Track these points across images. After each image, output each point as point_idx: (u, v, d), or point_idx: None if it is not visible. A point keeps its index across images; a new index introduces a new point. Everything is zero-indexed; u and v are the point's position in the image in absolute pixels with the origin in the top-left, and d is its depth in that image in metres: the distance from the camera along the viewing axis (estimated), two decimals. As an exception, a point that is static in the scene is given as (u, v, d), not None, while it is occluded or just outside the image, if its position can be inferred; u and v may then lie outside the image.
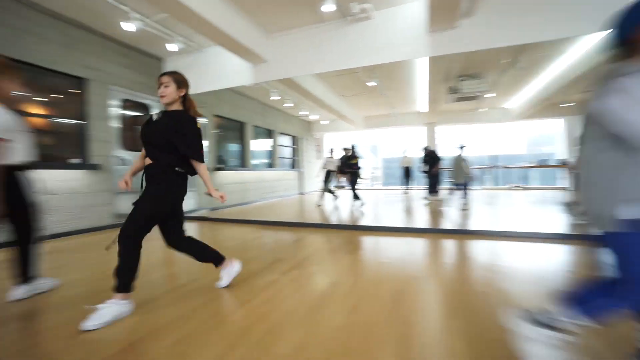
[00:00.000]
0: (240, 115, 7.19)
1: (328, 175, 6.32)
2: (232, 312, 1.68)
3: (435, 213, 5.01)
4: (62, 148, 4.01)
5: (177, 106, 1.81)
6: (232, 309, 1.73)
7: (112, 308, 1.55)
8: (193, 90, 5.21)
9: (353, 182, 5.93)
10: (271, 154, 8.66)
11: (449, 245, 3.04)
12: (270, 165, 8.58)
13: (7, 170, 1.68)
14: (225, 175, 6.42)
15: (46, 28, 3.69)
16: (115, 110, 4.51)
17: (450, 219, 4.36)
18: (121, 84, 4.58)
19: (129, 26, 3.78)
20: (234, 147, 7.34)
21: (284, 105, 7.79)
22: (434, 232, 3.59)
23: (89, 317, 1.50)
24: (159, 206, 1.73)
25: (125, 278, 1.60)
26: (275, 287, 2.01)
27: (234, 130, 7.23)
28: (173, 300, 1.83)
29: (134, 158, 4.84)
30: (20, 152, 1.76)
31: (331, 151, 6.59)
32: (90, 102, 4.16)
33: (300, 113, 9.13)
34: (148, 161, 1.77)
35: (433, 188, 6.71)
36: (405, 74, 6.31)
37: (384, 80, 6.49)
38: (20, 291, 1.82)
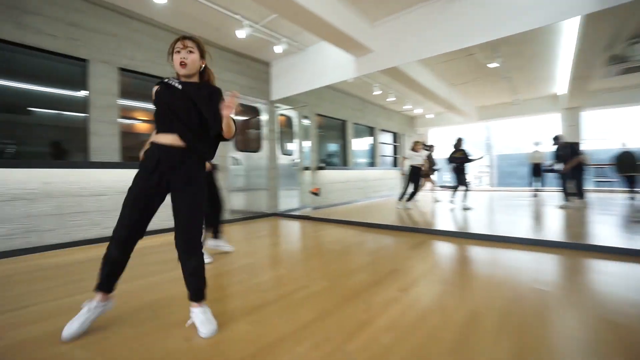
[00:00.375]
0: (341, 113, 7.07)
1: (414, 173, 5.59)
2: (350, 338, 1.38)
3: (578, 221, 3.80)
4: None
5: (195, 79, 1.51)
6: (350, 332, 1.43)
7: (208, 313, 1.45)
8: (296, 90, 5.34)
9: (460, 181, 5.07)
10: (372, 153, 8.32)
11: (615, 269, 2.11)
12: (372, 164, 8.25)
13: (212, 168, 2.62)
14: (327, 175, 6.39)
15: (178, 45, 4.21)
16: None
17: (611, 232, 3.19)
18: (235, 89, 4.94)
19: (241, 33, 3.99)
20: (335, 146, 7.28)
21: (387, 99, 7.34)
22: (582, 249, 2.62)
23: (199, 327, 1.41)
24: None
25: (205, 286, 1.48)
26: (397, 308, 1.64)
27: (335, 129, 7.17)
28: (281, 311, 1.65)
29: (243, 158, 5.23)
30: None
31: (416, 144, 5.81)
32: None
33: (404, 107, 8.50)
34: (169, 139, 1.39)
35: (576, 189, 5.21)
36: (541, 48, 5.06)
37: (508, 59, 5.36)
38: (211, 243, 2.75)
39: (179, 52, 1.44)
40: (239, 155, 5.02)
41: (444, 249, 2.91)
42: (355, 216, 5.07)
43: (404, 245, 3.05)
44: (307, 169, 5.94)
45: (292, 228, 4.39)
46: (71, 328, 1.34)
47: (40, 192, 3.05)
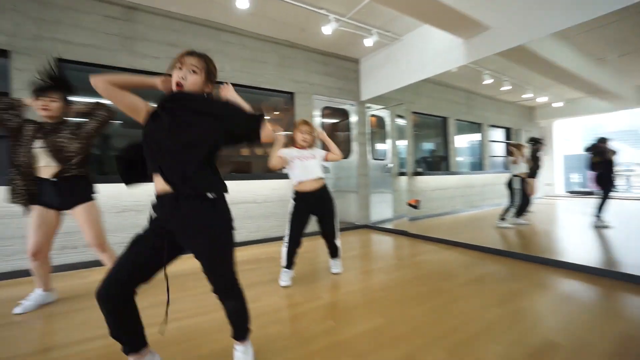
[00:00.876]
0: (442, 110, 6.11)
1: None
2: None
3: None
4: (277, 159, 4.44)
5: None
6: None
7: (249, 354, 1.33)
8: (389, 87, 4.69)
9: (607, 190, 3.67)
10: (479, 153, 7.02)
11: None
12: (479, 167, 6.96)
13: None
14: (425, 181, 5.57)
15: (267, 53, 4.11)
16: (317, 119, 4.61)
17: None
18: (322, 92, 4.64)
19: (327, 29, 3.62)
20: (433, 148, 6.35)
21: (500, 89, 6.04)
22: None
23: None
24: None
25: (247, 325, 1.33)
26: None
27: (433, 127, 6.26)
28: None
29: (331, 164, 4.88)
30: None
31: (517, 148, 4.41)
32: (297, 114, 4.37)
33: (523, 97, 6.94)
34: (158, 185, 1.14)
35: None
36: None
37: None
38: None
39: (180, 68, 1.16)
40: (326, 164, 4.69)
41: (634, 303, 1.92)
42: (461, 234, 4.16)
43: (552, 292, 2.15)
44: (402, 174, 5.26)
45: (387, 246, 3.81)
46: None
47: (145, 204, 3.25)
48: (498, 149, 7.77)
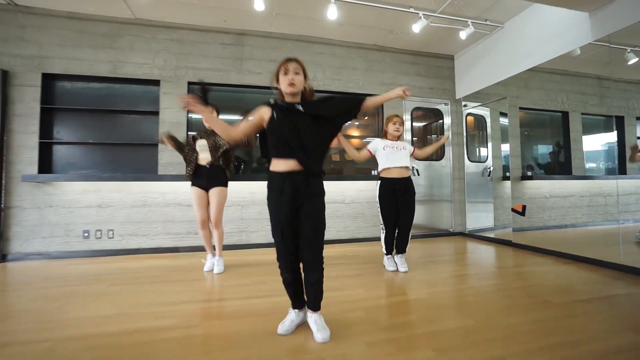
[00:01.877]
0: (559, 103, 5.18)
1: None
2: None
3: None
4: (368, 162, 4.51)
5: (298, 98, 1.53)
6: None
7: (322, 321, 1.52)
8: (489, 80, 4.24)
9: None
10: (618, 154, 5.64)
11: None
12: (619, 171, 5.59)
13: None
14: (536, 186, 4.78)
15: (355, 59, 4.28)
16: (407, 121, 4.51)
17: None
18: (413, 92, 4.53)
19: (417, 27, 3.56)
20: (549, 148, 5.41)
21: (648, 69, 4.77)
22: None
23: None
24: None
25: (321, 298, 1.55)
26: None
27: (548, 125, 5.34)
28: None
29: (422, 167, 4.66)
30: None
31: None
32: (386, 115, 4.37)
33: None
34: (288, 165, 1.45)
35: None
36: None
37: None
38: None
39: (285, 74, 1.48)
40: (417, 164, 4.52)
41: None
42: (589, 249, 3.42)
43: None
44: (506, 178, 4.65)
45: (485, 254, 3.43)
46: (283, 327, 1.53)
47: (248, 200, 3.74)
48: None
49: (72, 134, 3.52)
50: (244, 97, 4.08)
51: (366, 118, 4.78)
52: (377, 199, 2.69)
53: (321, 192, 1.51)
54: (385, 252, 2.78)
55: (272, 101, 1.53)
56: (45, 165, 3.41)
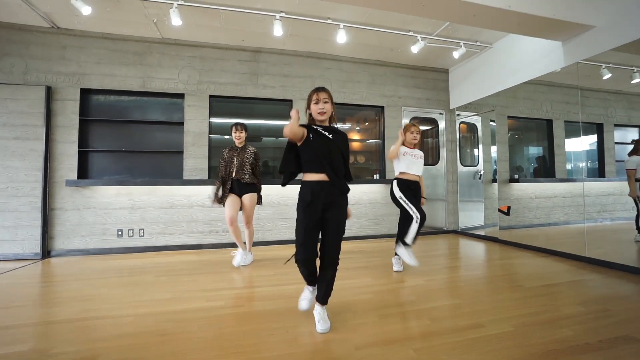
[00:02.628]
0: (544, 112, 5.65)
1: None
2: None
3: None
4: (369, 165, 4.95)
5: (326, 122, 1.82)
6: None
7: (325, 314, 1.76)
8: (480, 93, 4.73)
9: None
10: (598, 158, 6.12)
11: None
12: (598, 174, 6.07)
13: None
14: (523, 188, 5.24)
15: (359, 73, 4.71)
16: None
17: None
18: (410, 103, 4.97)
19: (415, 48, 4.00)
20: (534, 152, 5.88)
21: (631, 82, 5.25)
22: None
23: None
24: None
25: (330, 294, 1.78)
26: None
27: (534, 130, 5.81)
28: (450, 348, 1.49)
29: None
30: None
31: None
32: (386, 125, 4.81)
33: (658, 89, 5.78)
34: (319, 177, 1.70)
35: None
36: None
37: None
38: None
39: (317, 103, 1.75)
40: (414, 168, 4.97)
41: None
42: (565, 245, 3.89)
43: (654, 300, 2.07)
44: (495, 181, 5.10)
45: (475, 250, 3.89)
46: (303, 305, 1.82)
47: (263, 202, 4.17)
48: (626, 151, 6.61)
49: (106, 143, 3.92)
50: (259, 108, 4.49)
51: (367, 123, 5.21)
52: (399, 194, 2.83)
53: (345, 203, 1.76)
54: (409, 243, 2.79)
55: (306, 124, 1.77)
56: (83, 171, 3.80)
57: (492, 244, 4.24)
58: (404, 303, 2.08)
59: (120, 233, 3.78)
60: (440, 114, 5.22)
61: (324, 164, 1.67)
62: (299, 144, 1.72)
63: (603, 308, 1.95)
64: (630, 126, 7.12)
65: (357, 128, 5.23)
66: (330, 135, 1.74)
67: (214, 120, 4.27)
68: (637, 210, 3.95)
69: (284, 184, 1.81)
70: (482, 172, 5.22)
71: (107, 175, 3.90)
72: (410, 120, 5.03)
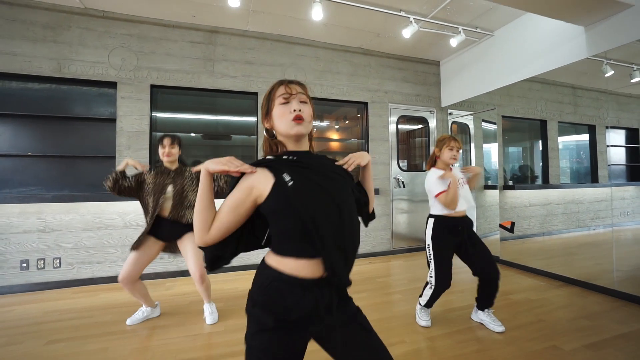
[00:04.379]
0: (538, 111, 5.19)
1: None
2: None
3: None
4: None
5: (306, 145, 0.96)
6: None
7: None
8: (476, 90, 4.05)
9: None
10: (591, 161, 5.77)
11: None
12: (591, 179, 5.72)
13: None
14: (518, 196, 4.75)
15: (339, 63, 3.97)
16: (393, 127, 4.29)
17: None
18: (398, 100, 4.31)
19: (407, 32, 3.31)
20: (527, 156, 5.43)
21: (631, 81, 4.86)
22: None
23: None
24: None
25: None
26: None
27: (527, 131, 5.35)
28: None
29: (407, 179, 4.47)
30: None
31: None
32: (370, 124, 4.12)
33: (655, 90, 5.49)
34: (308, 268, 0.82)
35: None
36: None
37: None
38: None
39: (286, 102, 0.89)
40: (402, 176, 4.32)
41: None
42: (580, 263, 3.39)
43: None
44: (488, 187, 4.59)
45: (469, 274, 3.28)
46: None
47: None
48: (619, 156, 6.33)
49: (7, 144, 2.95)
50: (216, 102, 3.65)
51: (347, 122, 4.51)
52: (429, 241, 2.07)
53: (358, 308, 0.93)
54: (424, 303, 2.09)
55: (266, 158, 0.90)
56: (-29, 182, 2.83)
57: (493, 265, 3.68)
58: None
59: (25, 265, 2.85)
60: (430, 112, 4.59)
61: (323, 239, 0.79)
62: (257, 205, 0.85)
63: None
64: (619, 128, 6.76)
65: (337, 127, 4.51)
66: (326, 169, 0.90)
67: (159, 115, 3.40)
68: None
69: (208, 268, 0.91)
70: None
71: (8, 189, 2.94)
72: (398, 119, 4.37)
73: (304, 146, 0.94)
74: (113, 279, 3.03)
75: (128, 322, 2.14)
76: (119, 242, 3.09)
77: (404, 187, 4.28)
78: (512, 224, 3.87)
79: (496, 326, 2.00)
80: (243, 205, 0.82)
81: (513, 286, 2.90)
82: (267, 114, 0.92)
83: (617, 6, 2.43)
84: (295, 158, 0.88)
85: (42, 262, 2.89)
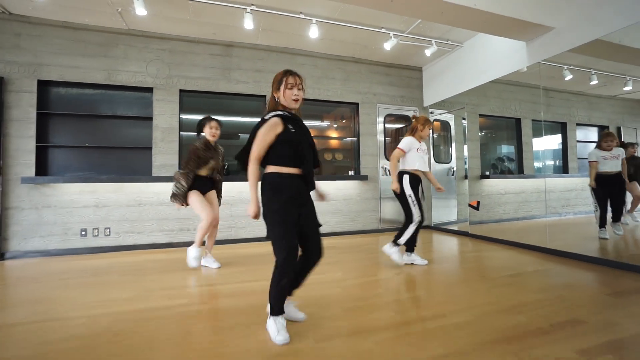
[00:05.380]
0: (513, 110, 5.86)
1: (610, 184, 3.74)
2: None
3: None
4: (345, 162, 4.96)
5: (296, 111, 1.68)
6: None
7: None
8: (453, 91, 4.84)
9: None
10: (562, 155, 6.42)
11: None
12: (562, 170, 6.36)
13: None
14: (494, 184, 5.42)
15: (334, 70, 4.70)
16: (380, 125, 5.00)
17: None
18: (385, 100, 5.02)
19: (388, 45, 4.03)
20: (505, 150, 6.09)
21: (590, 83, 5.52)
22: None
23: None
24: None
25: None
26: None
27: (504, 129, 6.02)
28: (407, 338, 1.50)
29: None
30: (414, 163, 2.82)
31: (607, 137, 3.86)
32: (361, 122, 4.83)
33: (625, 89, 6.15)
34: (294, 171, 1.56)
35: None
36: None
37: None
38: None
39: (291, 88, 1.57)
40: (389, 165, 5.02)
41: (688, 303, 1.88)
42: (532, 237, 4.05)
43: (602, 288, 2.18)
44: (467, 177, 5.25)
45: (446, 244, 3.97)
46: (283, 337, 1.49)
47: (237, 199, 4.09)
48: (587, 149, 6.95)
49: (69, 138, 3.72)
50: (233, 105, 4.40)
51: (344, 121, 5.23)
52: (409, 191, 2.76)
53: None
54: (402, 243, 2.79)
55: (280, 113, 1.56)
56: (42, 168, 3.60)
57: (464, 238, 4.35)
58: (370, 296, 2.09)
59: (84, 233, 3.60)
60: (414, 111, 5.30)
61: (304, 159, 1.56)
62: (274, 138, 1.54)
63: (558, 295, 2.03)
64: (591, 125, 7.52)
65: (335, 125, 5.23)
66: (302, 126, 1.62)
67: (185, 116, 4.14)
68: (596, 207, 4.13)
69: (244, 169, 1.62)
70: (454, 168, 5.35)
71: (69, 172, 3.70)
72: (385, 117, 5.08)
73: (295, 112, 1.65)
74: (151, 246, 3.77)
75: (193, 263, 2.76)
76: (154, 216, 3.83)
77: (389, 174, 4.98)
78: (478, 202, 4.54)
79: (400, 259, 2.80)
80: (269, 137, 1.52)
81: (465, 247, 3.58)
82: (276, 90, 1.60)
83: (542, 29, 3.14)
84: (291, 115, 1.59)
85: (97, 230, 3.64)
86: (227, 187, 4.00)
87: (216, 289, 2.31)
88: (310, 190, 1.64)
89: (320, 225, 1.65)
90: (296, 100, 1.58)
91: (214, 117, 2.90)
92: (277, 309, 1.54)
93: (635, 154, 4.18)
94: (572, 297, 2.00)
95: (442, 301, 1.96)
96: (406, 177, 2.80)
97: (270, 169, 1.57)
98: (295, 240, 1.51)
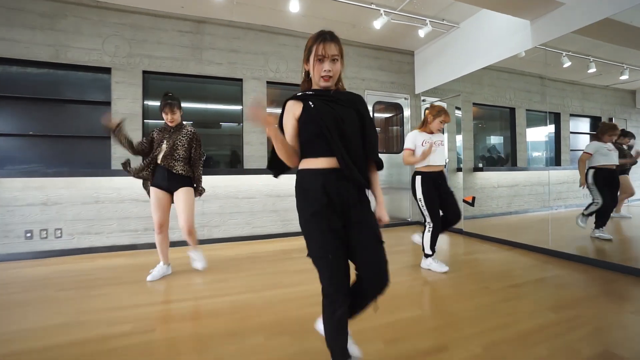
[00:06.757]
0: (508, 99, 5.58)
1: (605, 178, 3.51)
2: None
3: None
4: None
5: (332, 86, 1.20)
6: None
7: None
8: (447, 77, 4.45)
9: None
10: (555, 147, 6.21)
11: None
12: (555, 163, 6.16)
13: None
14: (487, 177, 5.16)
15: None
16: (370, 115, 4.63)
17: None
18: (374, 87, 4.64)
19: (378, 23, 3.62)
20: (498, 141, 5.83)
21: (587, 72, 5.26)
22: None
23: None
24: None
25: None
26: None
27: (498, 119, 5.74)
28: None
29: (383, 160, 4.83)
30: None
31: (607, 129, 3.65)
32: (349, 110, 4.45)
33: (621, 79, 5.92)
34: (327, 163, 1.11)
35: None
36: None
37: None
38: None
39: (321, 61, 1.12)
40: (383, 157, 4.68)
41: None
42: (528, 235, 3.79)
43: (623, 304, 1.90)
44: (460, 170, 4.97)
45: (440, 245, 3.66)
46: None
47: (210, 194, 3.67)
48: (582, 142, 6.77)
49: (9, 125, 3.20)
50: (205, 88, 3.93)
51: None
52: (420, 195, 2.51)
53: (368, 200, 1.17)
54: (430, 252, 2.54)
55: (297, 94, 1.19)
56: (-23, 159, 3.08)
57: (457, 236, 4.08)
58: (358, 319, 1.74)
59: (29, 235, 3.13)
60: (405, 99, 4.93)
61: (334, 143, 1.08)
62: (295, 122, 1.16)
63: (574, 314, 1.73)
64: (583, 116, 7.28)
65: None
66: (336, 101, 1.14)
67: (150, 103, 3.66)
68: (593, 202, 3.87)
69: (275, 176, 1.29)
70: (447, 160, 5.04)
71: (12, 165, 3.20)
72: (374, 105, 4.71)
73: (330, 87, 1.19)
74: (111, 248, 3.33)
75: (148, 278, 2.40)
76: (115, 215, 3.38)
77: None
78: (473, 198, 4.26)
79: (441, 267, 2.50)
80: (292, 122, 1.15)
81: (467, 249, 3.29)
82: (306, 61, 1.18)
83: (552, 4, 2.78)
84: (320, 91, 1.16)
85: (45, 232, 3.17)
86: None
87: (175, 308, 1.92)
88: (362, 187, 1.14)
89: (381, 241, 1.13)
90: (327, 79, 1.13)
91: (172, 99, 2.43)
92: (339, 352, 1.13)
93: (628, 144, 3.93)
94: (592, 316, 1.70)
95: (441, 325, 1.63)
96: (418, 179, 2.54)
97: (300, 165, 1.18)
98: (341, 258, 1.09)
